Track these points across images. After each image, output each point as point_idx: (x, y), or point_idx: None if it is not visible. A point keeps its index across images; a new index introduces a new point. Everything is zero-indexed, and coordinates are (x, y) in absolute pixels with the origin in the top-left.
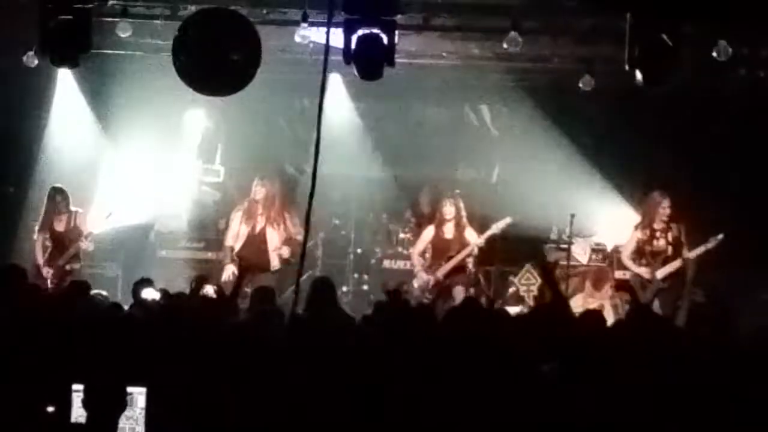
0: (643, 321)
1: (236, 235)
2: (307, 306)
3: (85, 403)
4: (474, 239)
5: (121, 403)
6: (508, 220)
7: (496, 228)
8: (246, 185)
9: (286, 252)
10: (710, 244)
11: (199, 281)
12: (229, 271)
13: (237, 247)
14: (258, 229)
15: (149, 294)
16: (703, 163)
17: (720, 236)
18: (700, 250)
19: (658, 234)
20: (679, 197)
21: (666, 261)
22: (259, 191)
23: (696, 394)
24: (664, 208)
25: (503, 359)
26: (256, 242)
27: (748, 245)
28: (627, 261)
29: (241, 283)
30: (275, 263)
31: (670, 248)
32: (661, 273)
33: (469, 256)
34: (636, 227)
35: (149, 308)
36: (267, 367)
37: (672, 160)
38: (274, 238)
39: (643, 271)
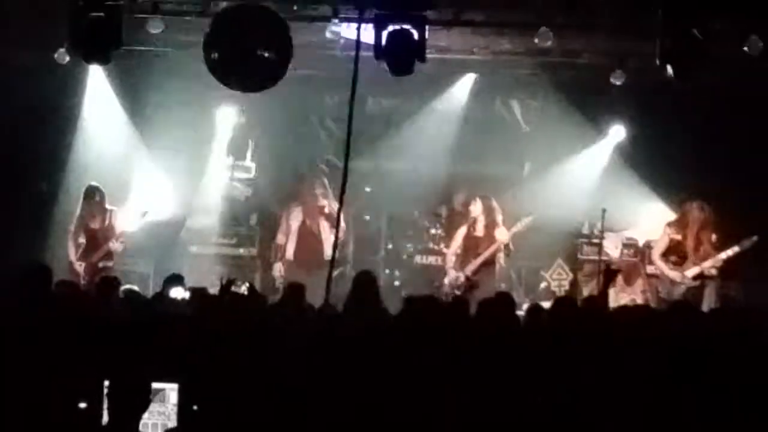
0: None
1: (286, 232)
2: (348, 301)
3: (108, 401)
4: (503, 236)
5: (145, 402)
6: (530, 218)
7: (519, 225)
8: (277, 182)
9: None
10: (743, 246)
11: (229, 282)
12: (276, 270)
13: (289, 246)
14: (312, 224)
15: (178, 293)
16: (738, 160)
17: (754, 238)
18: (732, 251)
19: (689, 237)
20: (712, 197)
21: (695, 263)
22: (322, 192)
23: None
24: (701, 219)
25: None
26: (310, 237)
27: None
28: (656, 259)
29: None
30: (329, 253)
31: (700, 250)
32: (691, 272)
33: (497, 251)
34: (669, 226)
35: (179, 306)
36: (296, 363)
37: (705, 156)
38: (326, 231)
39: (673, 274)
